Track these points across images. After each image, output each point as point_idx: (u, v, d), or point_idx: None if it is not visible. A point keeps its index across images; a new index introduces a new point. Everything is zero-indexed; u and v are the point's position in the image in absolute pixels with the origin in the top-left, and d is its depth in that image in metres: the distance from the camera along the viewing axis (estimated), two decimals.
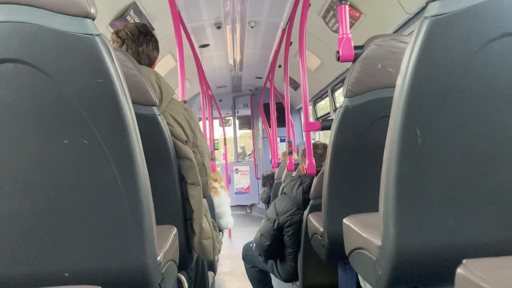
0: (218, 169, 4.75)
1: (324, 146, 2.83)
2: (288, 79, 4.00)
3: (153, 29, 3.67)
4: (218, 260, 3.99)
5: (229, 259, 4.91)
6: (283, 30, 4.28)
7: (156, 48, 1.81)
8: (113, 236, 0.97)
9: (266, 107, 7.50)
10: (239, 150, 9.36)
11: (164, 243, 1.20)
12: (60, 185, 0.94)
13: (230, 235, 6.51)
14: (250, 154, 9.28)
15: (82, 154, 0.93)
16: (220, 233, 3.93)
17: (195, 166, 1.62)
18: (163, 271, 1.12)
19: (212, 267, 3.30)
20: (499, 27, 0.91)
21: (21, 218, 0.94)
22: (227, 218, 3.94)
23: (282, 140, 8.00)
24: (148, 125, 1.46)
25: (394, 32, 3.01)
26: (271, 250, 2.65)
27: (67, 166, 0.93)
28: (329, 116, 5.69)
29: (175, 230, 1.39)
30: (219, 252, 2.08)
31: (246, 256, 3.08)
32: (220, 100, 8.48)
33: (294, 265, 2.56)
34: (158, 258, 1.06)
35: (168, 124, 1.56)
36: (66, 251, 0.96)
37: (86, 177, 0.94)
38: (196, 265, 2.19)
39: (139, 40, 1.73)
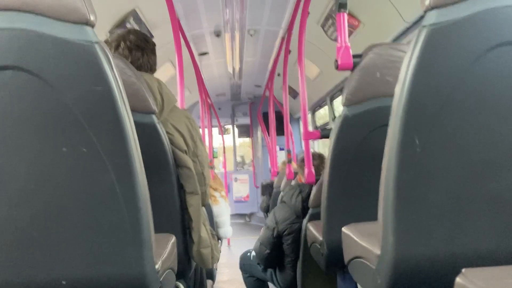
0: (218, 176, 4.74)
1: (320, 157, 2.82)
2: (287, 87, 4.01)
3: (153, 37, 3.70)
4: (216, 269, 3.98)
5: (227, 267, 4.89)
6: (282, 39, 4.29)
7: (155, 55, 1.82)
8: (111, 244, 0.96)
9: (265, 116, 7.50)
10: (238, 159, 9.36)
11: (163, 251, 1.20)
12: (58, 193, 0.93)
13: (229, 243, 6.49)
14: (249, 162, 9.27)
15: (81, 162, 0.93)
16: (219, 241, 3.91)
17: (194, 175, 1.62)
18: (161, 279, 1.11)
19: (211, 275, 3.29)
20: (497, 36, 0.91)
21: (19, 225, 0.93)
22: (226, 227, 3.93)
23: (281, 149, 7.98)
24: (147, 133, 1.45)
25: (392, 41, 3.02)
26: (271, 259, 2.64)
27: (65, 174, 0.93)
28: (328, 125, 5.69)
29: (173, 238, 1.38)
30: (218, 260, 2.07)
31: (244, 265, 3.07)
32: (219, 109, 8.49)
33: (293, 274, 2.55)
34: (157, 267, 1.06)
35: (168, 132, 1.56)
36: (64, 259, 0.95)
37: (85, 185, 0.94)
38: (195, 273, 2.17)
39: (149, 49, 1.74)
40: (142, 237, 0.97)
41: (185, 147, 1.63)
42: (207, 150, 4.60)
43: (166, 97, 1.61)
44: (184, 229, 1.62)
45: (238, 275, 3.20)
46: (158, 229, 1.16)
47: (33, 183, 0.92)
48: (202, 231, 1.65)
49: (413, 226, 0.99)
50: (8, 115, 0.90)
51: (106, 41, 1.69)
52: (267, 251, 2.61)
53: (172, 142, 1.57)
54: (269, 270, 2.79)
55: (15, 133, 0.91)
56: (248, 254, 3.02)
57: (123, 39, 1.69)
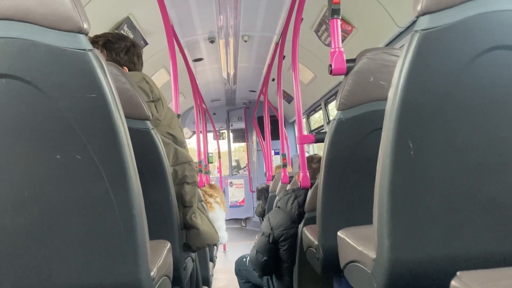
0: (213, 182, 4.73)
1: (319, 161, 2.81)
2: (282, 92, 4.02)
3: (147, 44, 3.70)
4: (212, 275, 3.96)
5: (224, 273, 4.87)
6: (276, 44, 4.31)
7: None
8: (106, 251, 0.96)
9: (260, 120, 7.52)
10: (234, 163, 9.35)
11: (158, 258, 1.19)
12: (52, 201, 0.93)
13: (224, 249, 6.47)
14: (245, 167, 9.27)
15: (75, 169, 0.92)
16: (215, 247, 3.90)
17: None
18: (156, 286, 1.11)
19: (207, 282, 3.27)
20: (489, 40, 0.92)
21: (13, 233, 0.93)
22: (221, 233, 3.91)
23: (277, 153, 8.00)
24: (142, 140, 1.45)
25: (385, 46, 3.04)
26: (268, 266, 2.62)
27: (59, 181, 0.93)
28: (323, 129, 5.71)
29: (168, 245, 1.38)
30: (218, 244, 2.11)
31: (239, 271, 3.06)
32: (214, 114, 8.49)
33: (289, 279, 2.54)
34: (152, 274, 1.05)
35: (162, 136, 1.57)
36: (58, 268, 0.94)
37: (79, 193, 0.93)
38: (190, 280, 2.16)
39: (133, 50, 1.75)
40: (136, 244, 0.97)
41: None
42: (202, 156, 4.59)
43: (156, 89, 1.64)
44: (179, 236, 1.62)
45: (234, 280, 3.20)
46: (153, 235, 1.16)
47: (26, 191, 0.92)
48: (204, 225, 1.69)
49: (408, 230, 0.99)
50: (1, 123, 0.90)
51: None
52: (265, 258, 2.60)
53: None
54: (265, 277, 2.78)
55: (9, 141, 0.91)
56: (244, 259, 3.01)
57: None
